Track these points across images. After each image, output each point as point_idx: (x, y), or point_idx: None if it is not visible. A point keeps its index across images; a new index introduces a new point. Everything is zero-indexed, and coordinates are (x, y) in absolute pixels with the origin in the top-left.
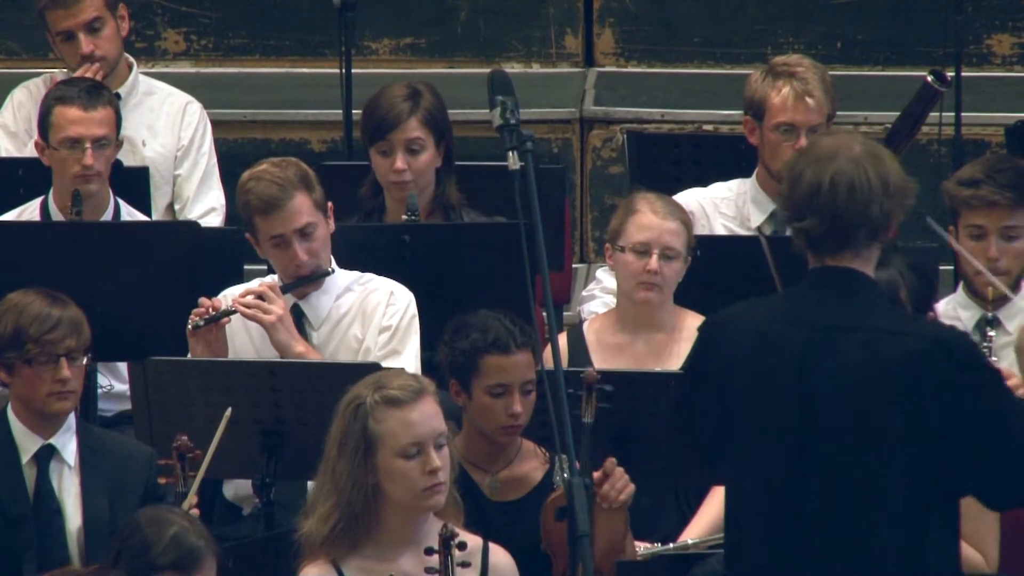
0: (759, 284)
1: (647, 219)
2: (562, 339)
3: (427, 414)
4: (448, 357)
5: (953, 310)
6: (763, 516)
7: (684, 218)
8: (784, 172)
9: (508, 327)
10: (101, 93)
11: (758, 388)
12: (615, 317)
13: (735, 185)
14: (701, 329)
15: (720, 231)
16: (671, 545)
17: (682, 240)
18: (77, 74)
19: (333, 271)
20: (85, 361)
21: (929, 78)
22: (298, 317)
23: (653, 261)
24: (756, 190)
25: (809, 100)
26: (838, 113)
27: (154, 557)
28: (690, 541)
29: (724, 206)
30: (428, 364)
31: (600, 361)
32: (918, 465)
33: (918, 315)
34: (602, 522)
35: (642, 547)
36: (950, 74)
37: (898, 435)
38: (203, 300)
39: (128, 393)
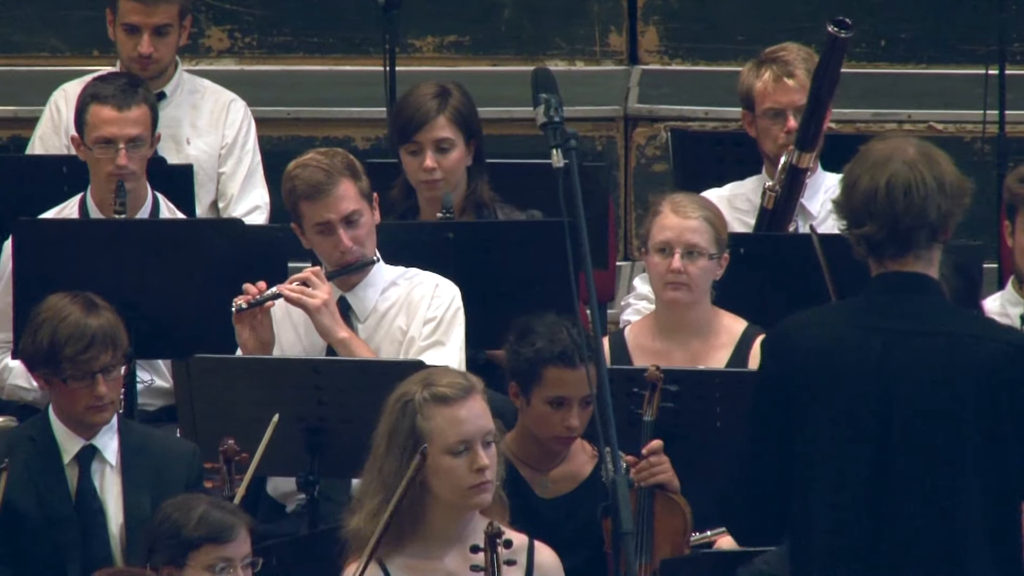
0: (804, 282)
1: (668, 219)
2: (604, 342)
3: (475, 412)
4: (511, 360)
5: (1001, 307)
6: (838, 522)
7: (710, 216)
8: (841, 179)
9: (575, 339)
10: (136, 91)
11: (833, 395)
12: (653, 322)
13: (749, 181)
14: (765, 342)
15: (736, 226)
16: (708, 532)
17: (707, 237)
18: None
19: (378, 260)
20: (123, 371)
21: (831, 28)
22: (344, 309)
23: (676, 260)
24: (767, 181)
25: (789, 81)
26: (882, 111)
27: (187, 535)
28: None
29: (738, 201)
30: (472, 362)
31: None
32: (994, 466)
33: (990, 318)
34: (662, 521)
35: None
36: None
37: (976, 437)
38: (247, 286)
39: (170, 388)
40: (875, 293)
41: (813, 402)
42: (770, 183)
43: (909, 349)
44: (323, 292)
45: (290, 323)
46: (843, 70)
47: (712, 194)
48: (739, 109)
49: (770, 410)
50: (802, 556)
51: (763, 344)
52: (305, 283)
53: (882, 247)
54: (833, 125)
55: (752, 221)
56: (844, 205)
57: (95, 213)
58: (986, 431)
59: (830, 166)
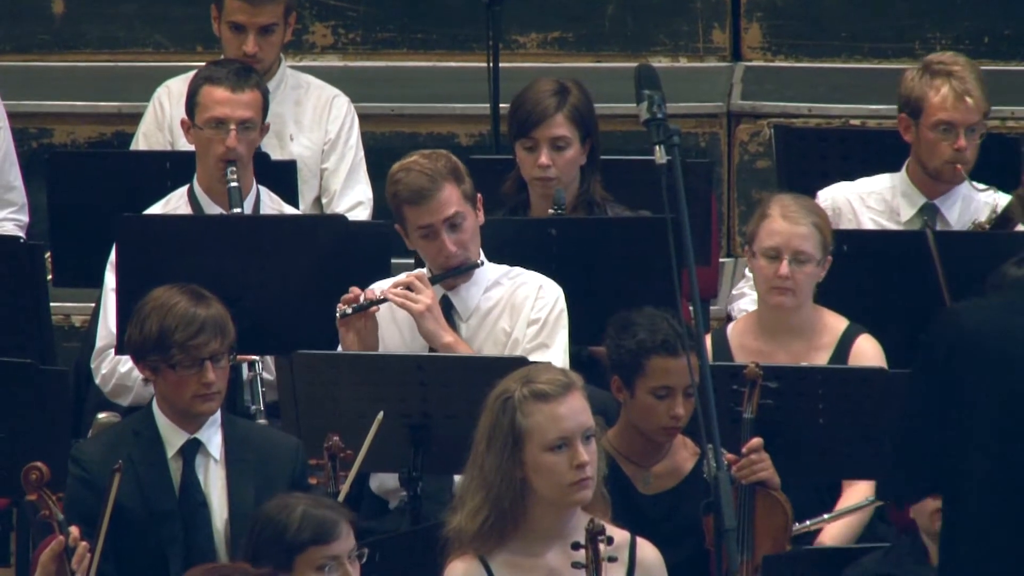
0: (917, 281)
1: (777, 224)
2: (706, 340)
3: (575, 408)
4: (613, 354)
5: None
6: (992, 505)
7: (818, 220)
8: None
9: (676, 328)
10: (250, 76)
11: (995, 380)
12: (756, 321)
13: (884, 179)
14: (932, 325)
15: (868, 225)
16: (807, 522)
17: (814, 243)
18: None
19: (482, 263)
20: (231, 358)
21: None
22: (447, 308)
23: (784, 266)
24: (907, 184)
25: (969, 100)
26: None
27: (291, 538)
28: (826, 516)
29: (872, 200)
30: (575, 358)
31: None
32: None
33: None
34: (763, 518)
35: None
36: None
37: None
38: (353, 289)
39: (274, 383)
40: None
41: (975, 387)
42: (979, 220)
43: None
44: (427, 297)
45: (395, 324)
46: None
47: (844, 188)
48: (843, 105)
49: (933, 389)
50: (952, 538)
51: (933, 323)
52: (409, 287)
53: None
54: None
55: (885, 222)
56: None
57: (204, 200)
58: None
59: None
